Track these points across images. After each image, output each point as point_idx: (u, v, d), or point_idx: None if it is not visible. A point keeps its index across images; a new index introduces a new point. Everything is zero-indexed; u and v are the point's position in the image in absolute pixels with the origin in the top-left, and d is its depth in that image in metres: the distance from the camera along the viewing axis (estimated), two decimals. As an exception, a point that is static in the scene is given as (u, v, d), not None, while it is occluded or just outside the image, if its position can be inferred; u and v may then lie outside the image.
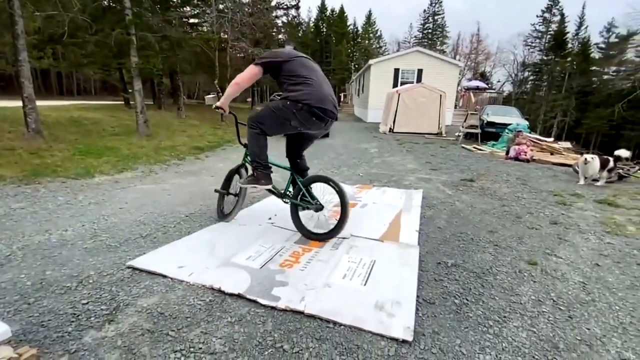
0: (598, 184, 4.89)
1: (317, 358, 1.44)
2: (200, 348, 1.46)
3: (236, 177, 2.90)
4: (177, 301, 1.79)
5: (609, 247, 2.77)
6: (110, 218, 3.06)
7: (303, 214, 2.67)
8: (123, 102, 16.56)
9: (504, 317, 1.79)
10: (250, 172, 2.60)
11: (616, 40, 33.69)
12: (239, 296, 1.85)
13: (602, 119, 30.27)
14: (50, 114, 9.74)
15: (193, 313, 1.70)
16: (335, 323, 1.65)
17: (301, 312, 1.72)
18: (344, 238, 2.69)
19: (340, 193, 2.41)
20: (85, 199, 3.61)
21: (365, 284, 2.01)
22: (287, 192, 2.68)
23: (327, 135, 10.54)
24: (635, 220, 3.43)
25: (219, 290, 1.89)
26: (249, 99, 32.46)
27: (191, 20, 15.28)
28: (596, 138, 32.02)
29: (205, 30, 14.18)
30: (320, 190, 2.60)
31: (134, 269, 2.12)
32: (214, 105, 2.54)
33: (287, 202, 2.69)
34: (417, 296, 1.92)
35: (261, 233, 2.77)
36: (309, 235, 2.61)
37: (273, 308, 1.76)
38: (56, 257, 2.26)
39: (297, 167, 2.69)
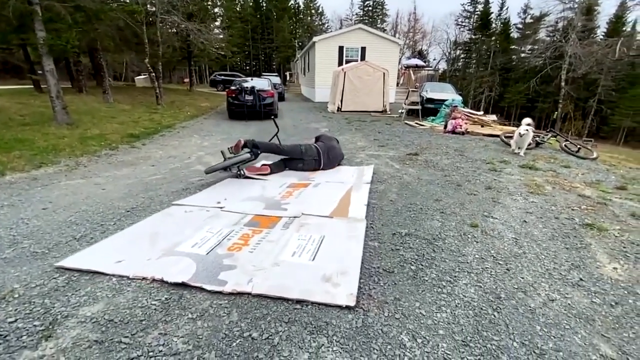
0: (517, 151, 5.53)
1: (287, 341, 1.43)
2: (161, 351, 1.36)
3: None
4: (127, 305, 1.64)
5: (533, 205, 3.17)
6: (31, 221, 2.65)
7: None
8: (32, 86, 14.13)
9: (455, 276, 1.96)
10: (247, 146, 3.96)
11: (531, 21, 37.65)
12: (183, 284, 1.77)
13: (520, 93, 34.17)
14: None
15: (148, 315, 1.57)
16: (287, 300, 1.67)
17: (248, 294, 1.70)
18: (295, 217, 2.69)
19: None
20: (-5, 202, 3.07)
21: (313, 259, 2.04)
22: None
23: (275, 116, 10.26)
24: (551, 181, 3.98)
25: (162, 281, 1.79)
26: (186, 80, 30.01)
27: (109, -11, 13.29)
28: (516, 110, 36.10)
29: (128, 1, 12.48)
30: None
31: (65, 269, 1.91)
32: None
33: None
34: (378, 267, 2.01)
35: (209, 219, 2.65)
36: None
37: (220, 293, 1.71)
38: (-36, 273, 1.90)
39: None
